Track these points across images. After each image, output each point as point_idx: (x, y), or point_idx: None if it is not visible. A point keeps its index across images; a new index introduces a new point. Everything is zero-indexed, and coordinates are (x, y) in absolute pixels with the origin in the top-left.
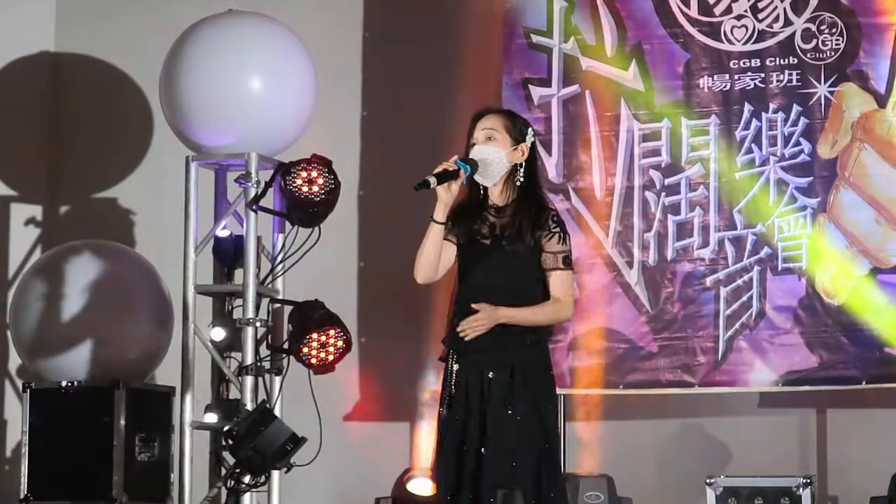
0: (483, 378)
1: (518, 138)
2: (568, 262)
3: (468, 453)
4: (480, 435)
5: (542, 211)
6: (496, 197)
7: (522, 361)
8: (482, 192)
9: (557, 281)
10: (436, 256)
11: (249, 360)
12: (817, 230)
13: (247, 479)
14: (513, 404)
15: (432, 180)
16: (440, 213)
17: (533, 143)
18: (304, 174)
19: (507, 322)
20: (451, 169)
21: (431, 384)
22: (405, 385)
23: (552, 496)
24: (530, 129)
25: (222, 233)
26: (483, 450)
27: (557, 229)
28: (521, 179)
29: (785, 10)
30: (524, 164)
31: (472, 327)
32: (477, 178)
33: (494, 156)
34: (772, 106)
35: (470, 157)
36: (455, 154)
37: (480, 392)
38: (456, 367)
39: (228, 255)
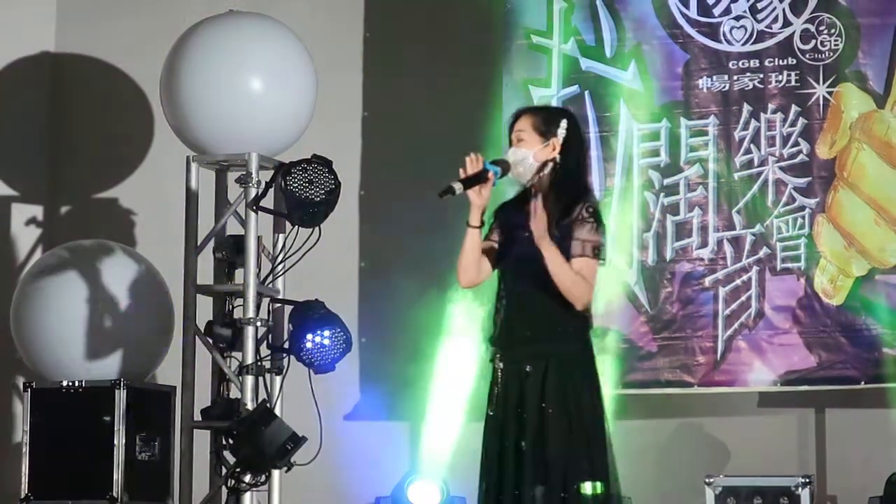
0: (521, 372)
1: (547, 134)
2: (597, 253)
3: (508, 450)
4: (519, 431)
5: (575, 202)
6: (537, 191)
7: (559, 353)
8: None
9: (582, 266)
10: (475, 260)
11: (250, 359)
12: (816, 230)
13: (247, 478)
14: (546, 399)
15: (457, 186)
16: (474, 216)
17: (569, 136)
18: (304, 174)
19: (543, 250)
20: (478, 172)
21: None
22: (405, 385)
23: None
24: (563, 122)
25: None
26: (522, 445)
27: (591, 219)
28: (554, 173)
29: (784, 10)
30: (559, 157)
31: None
32: (513, 177)
33: (521, 157)
34: (770, 106)
35: (502, 158)
36: (470, 156)
37: (519, 387)
38: (501, 365)
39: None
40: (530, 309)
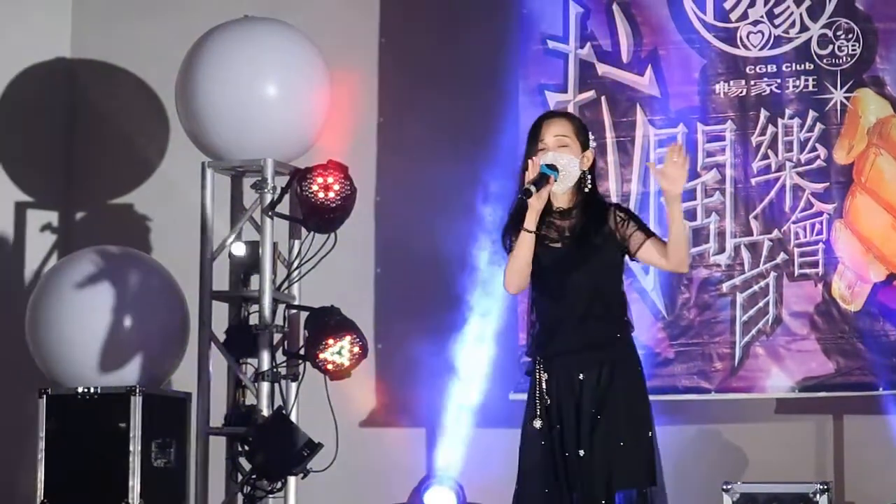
0: (573, 380)
1: (585, 144)
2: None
3: (559, 460)
4: (577, 440)
5: (604, 208)
6: (560, 201)
7: (611, 359)
8: None
9: (660, 241)
10: (528, 266)
11: (265, 366)
12: (834, 236)
13: (263, 485)
14: (602, 406)
15: (533, 189)
16: (531, 221)
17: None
18: (320, 180)
19: (676, 214)
20: (541, 175)
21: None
22: (421, 391)
23: (644, 493)
24: (591, 134)
25: (237, 249)
26: (581, 453)
27: (626, 215)
28: (590, 185)
29: (801, 15)
30: (589, 168)
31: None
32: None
33: (570, 164)
34: (788, 111)
35: (546, 163)
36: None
37: (572, 395)
38: (545, 376)
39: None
40: (579, 318)
